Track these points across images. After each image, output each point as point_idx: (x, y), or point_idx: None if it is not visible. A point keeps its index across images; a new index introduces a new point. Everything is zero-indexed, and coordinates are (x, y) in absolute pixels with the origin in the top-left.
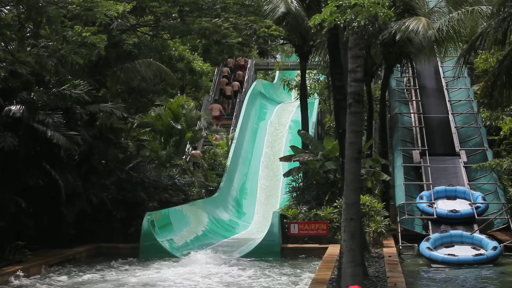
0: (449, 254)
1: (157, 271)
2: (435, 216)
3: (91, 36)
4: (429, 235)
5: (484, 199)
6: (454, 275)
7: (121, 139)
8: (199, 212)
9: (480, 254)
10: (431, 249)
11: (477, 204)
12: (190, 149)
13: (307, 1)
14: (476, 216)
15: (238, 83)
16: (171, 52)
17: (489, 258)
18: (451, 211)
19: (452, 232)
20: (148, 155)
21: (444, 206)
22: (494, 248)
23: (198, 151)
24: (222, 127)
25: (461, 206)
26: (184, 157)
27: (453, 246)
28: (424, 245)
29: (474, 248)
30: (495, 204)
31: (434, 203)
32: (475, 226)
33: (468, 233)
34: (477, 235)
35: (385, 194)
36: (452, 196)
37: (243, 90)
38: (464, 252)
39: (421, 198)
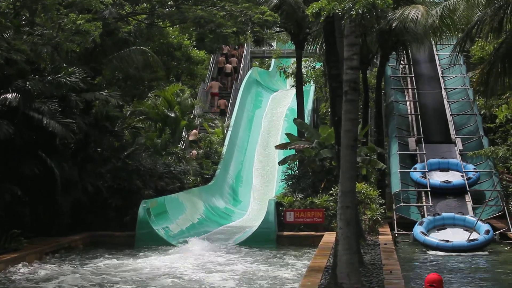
0: (443, 240)
1: (152, 259)
2: (428, 188)
3: (86, 24)
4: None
5: (476, 170)
6: (449, 262)
7: (116, 127)
8: (195, 200)
9: (474, 240)
10: (425, 234)
11: (469, 175)
12: (186, 136)
13: None
14: (468, 187)
15: (236, 59)
16: (171, 40)
17: (482, 243)
18: (444, 181)
19: (444, 214)
20: (143, 143)
21: (437, 177)
22: (487, 232)
23: (195, 131)
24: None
25: (454, 177)
26: (179, 144)
27: (445, 228)
28: (418, 230)
29: (466, 230)
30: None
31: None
32: (467, 197)
33: (460, 215)
34: (469, 217)
35: (380, 182)
36: (445, 168)
37: (239, 78)
38: (457, 235)
39: (415, 169)
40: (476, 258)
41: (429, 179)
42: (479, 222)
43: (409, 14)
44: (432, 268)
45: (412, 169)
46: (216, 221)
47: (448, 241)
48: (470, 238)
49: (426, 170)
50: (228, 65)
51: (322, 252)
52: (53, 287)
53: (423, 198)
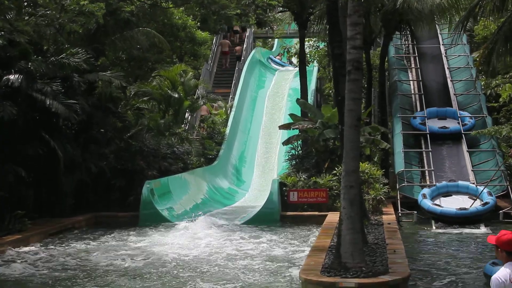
0: (435, 204)
1: (156, 239)
2: (427, 132)
3: (89, 5)
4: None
5: (471, 118)
6: (453, 241)
7: (119, 108)
8: (199, 180)
9: (464, 209)
10: (425, 197)
11: (465, 122)
12: (189, 117)
13: None
14: (463, 132)
15: None
16: (175, 20)
17: (472, 214)
18: (441, 127)
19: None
20: (146, 124)
21: (435, 124)
22: (484, 204)
23: (205, 107)
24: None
25: (450, 124)
26: (183, 125)
27: (451, 195)
28: (422, 192)
29: (470, 198)
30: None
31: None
32: (463, 141)
33: (464, 183)
34: (472, 185)
35: (384, 162)
36: (442, 116)
37: (242, 58)
38: (457, 202)
39: (415, 118)
40: (477, 237)
41: (428, 125)
42: (486, 194)
43: None
44: (434, 247)
45: (412, 118)
46: (219, 201)
47: (439, 206)
48: (460, 207)
49: (426, 116)
50: None
51: (326, 231)
52: (59, 267)
53: (422, 144)
